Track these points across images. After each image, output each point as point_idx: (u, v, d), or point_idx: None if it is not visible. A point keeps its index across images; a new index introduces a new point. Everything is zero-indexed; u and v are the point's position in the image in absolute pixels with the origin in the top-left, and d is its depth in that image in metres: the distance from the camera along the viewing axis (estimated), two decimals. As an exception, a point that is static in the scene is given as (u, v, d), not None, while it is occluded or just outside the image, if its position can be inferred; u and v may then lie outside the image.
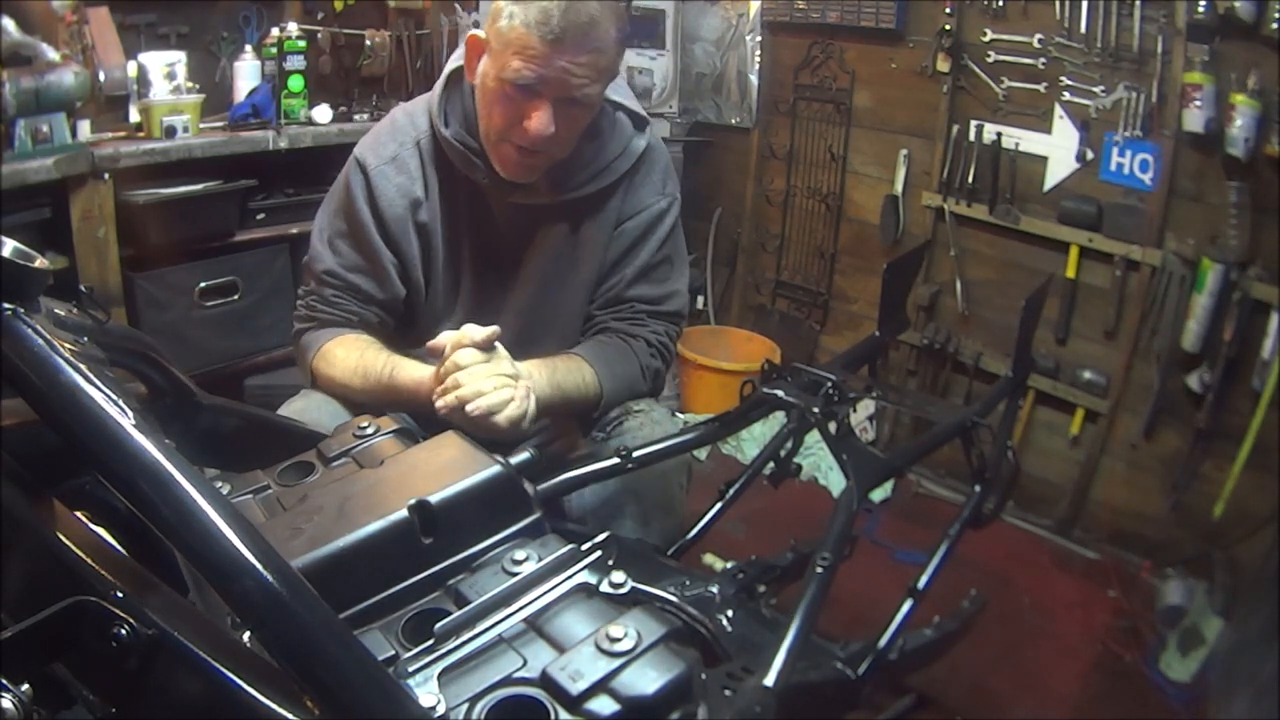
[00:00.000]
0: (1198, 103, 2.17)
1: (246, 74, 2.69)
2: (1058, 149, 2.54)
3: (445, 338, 1.25)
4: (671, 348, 1.57)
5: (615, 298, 1.52)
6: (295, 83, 2.63)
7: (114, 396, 0.59)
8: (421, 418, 1.19)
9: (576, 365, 1.42)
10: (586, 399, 1.43)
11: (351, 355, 1.42)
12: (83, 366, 0.59)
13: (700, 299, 3.54)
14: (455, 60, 1.42)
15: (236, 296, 2.59)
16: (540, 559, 0.86)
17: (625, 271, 1.51)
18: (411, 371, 1.37)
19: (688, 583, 1.12)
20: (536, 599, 0.81)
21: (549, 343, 1.48)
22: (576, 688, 0.71)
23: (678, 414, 3.19)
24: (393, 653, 0.77)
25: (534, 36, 1.20)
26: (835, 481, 2.77)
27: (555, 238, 1.47)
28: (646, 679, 0.72)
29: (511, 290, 1.49)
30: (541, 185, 1.41)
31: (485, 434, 1.17)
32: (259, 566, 0.56)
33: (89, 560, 0.64)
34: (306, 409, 1.44)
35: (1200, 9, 2.14)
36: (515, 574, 0.84)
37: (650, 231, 1.50)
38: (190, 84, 2.51)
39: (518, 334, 1.45)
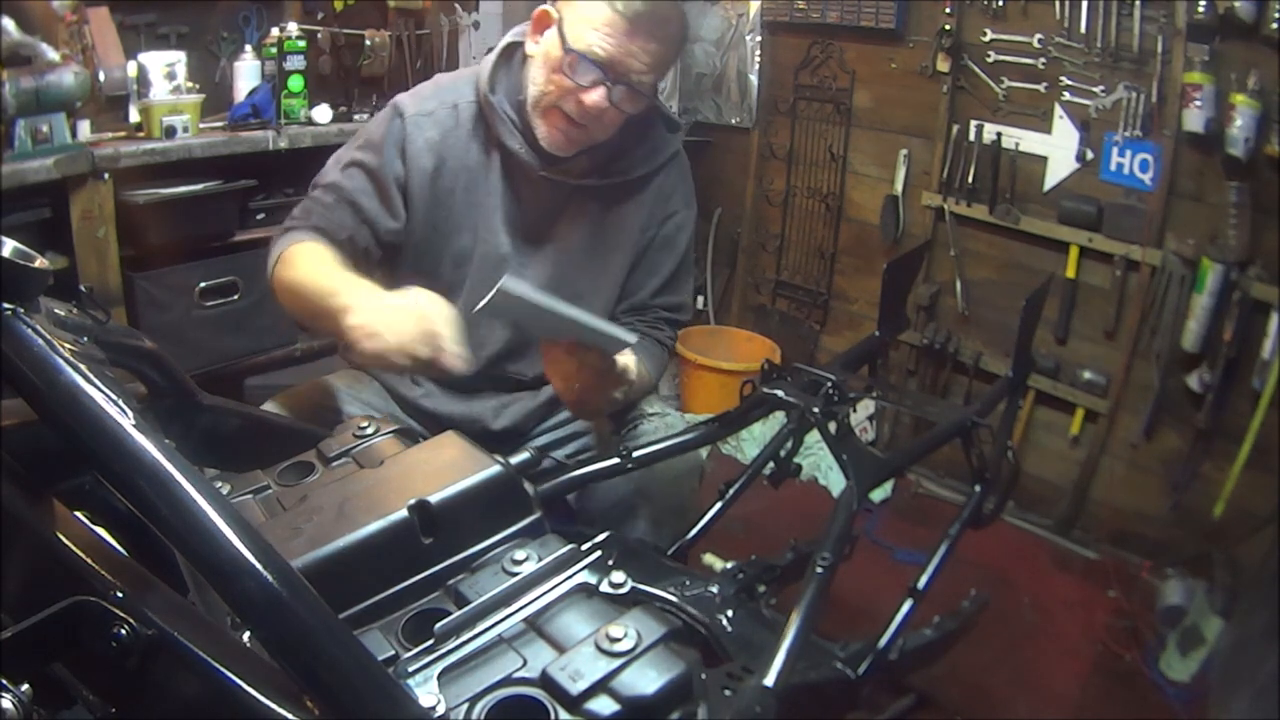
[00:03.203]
0: (1198, 103, 2.17)
1: (246, 74, 2.68)
2: (1058, 149, 2.54)
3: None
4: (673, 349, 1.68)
5: (641, 304, 1.57)
6: (295, 83, 2.63)
7: (114, 396, 0.59)
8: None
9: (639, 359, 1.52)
10: (648, 388, 1.56)
11: (317, 257, 1.32)
12: (83, 366, 0.59)
13: (700, 299, 3.53)
14: (511, 35, 1.46)
15: (236, 296, 2.58)
16: (540, 559, 0.86)
17: (651, 281, 1.56)
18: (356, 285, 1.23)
19: (688, 583, 1.11)
20: (536, 599, 0.81)
21: None
22: (576, 688, 0.71)
23: (678, 414, 3.18)
24: (393, 653, 0.77)
25: (616, 14, 1.27)
26: (835, 481, 2.77)
27: (585, 218, 1.49)
28: (646, 679, 0.72)
29: (535, 261, 1.48)
30: (577, 164, 1.44)
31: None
32: (259, 566, 0.56)
33: (89, 560, 0.64)
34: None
35: (1200, 9, 2.14)
36: (515, 574, 0.84)
37: (675, 242, 1.56)
38: (190, 84, 2.51)
39: None
